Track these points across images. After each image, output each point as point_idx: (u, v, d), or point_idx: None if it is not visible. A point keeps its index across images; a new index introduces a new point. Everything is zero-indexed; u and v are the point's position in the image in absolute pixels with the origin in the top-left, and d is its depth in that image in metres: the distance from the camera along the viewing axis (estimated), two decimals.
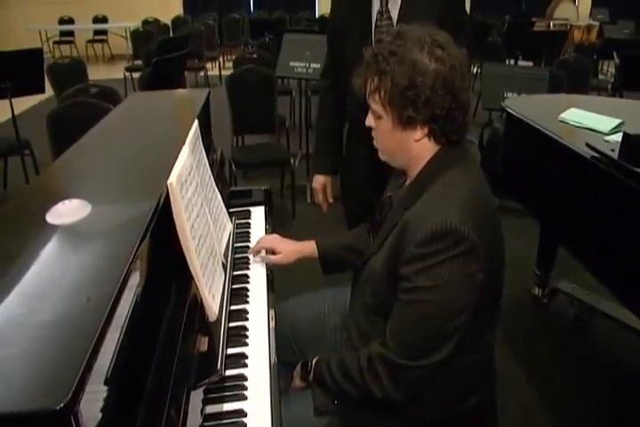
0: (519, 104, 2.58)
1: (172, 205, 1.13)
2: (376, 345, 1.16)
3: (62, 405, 0.57)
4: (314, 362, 1.27)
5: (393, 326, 1.14)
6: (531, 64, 6.48)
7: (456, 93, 1.10)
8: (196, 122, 1.48)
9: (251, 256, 1.60)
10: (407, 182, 1.25)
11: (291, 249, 1.56)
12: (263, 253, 1.59)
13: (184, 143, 1.31)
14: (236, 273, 1.52)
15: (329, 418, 1.23)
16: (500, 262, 1.20)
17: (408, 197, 1.18)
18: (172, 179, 1.13)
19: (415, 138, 1.15)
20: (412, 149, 1.17)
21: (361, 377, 1.16)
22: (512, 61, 6.44)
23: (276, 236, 1.62)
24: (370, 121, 1.21)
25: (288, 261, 1.55)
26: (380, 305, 1.20)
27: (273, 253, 1.57)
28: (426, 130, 1.14)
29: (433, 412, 1.21)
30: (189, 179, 1.24)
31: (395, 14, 1.75)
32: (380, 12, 1.76)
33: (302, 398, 1.27)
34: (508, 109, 2.52)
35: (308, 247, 1.57)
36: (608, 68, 8.21)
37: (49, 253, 0.91)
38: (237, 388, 1.13)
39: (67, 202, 1.07)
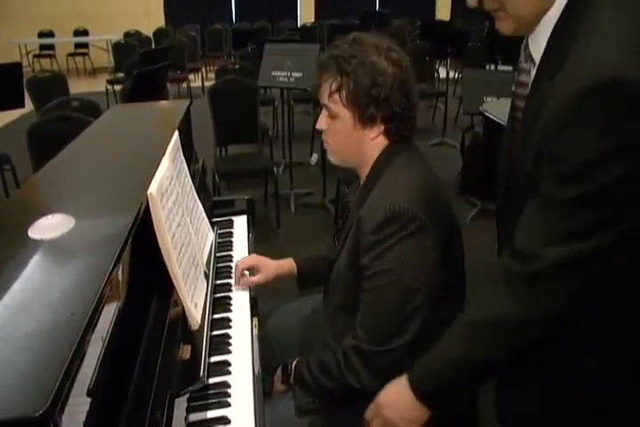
0: (497, 108, 2.63)
1: (153, 215, 1.14)
2: (349, 339, 1.20)
3: (41, 412, 0.58)
4: (294, 364, 1.30)
5: (360, 316, 1.19)
6: (510, 69, 6.57)
7: (409, 94, 1.19)
8: (176, 133, 1.49)
9: (234, 285, 1.54)
10: (361, 183, 1.30)
11: (269, 264, 1.55)
12: (246, 275, 1.56)
13: (164, 154, 1.33)
14: (218, 282, 1.53)
15: (310, 418, 1.25)
16: (457, 243, 1.26)
17: (361, 196, 1.23)
18: (152, 189, 1.14)
19: (371, 136, 1.21)
20: (367, 147, 1.23)
21: (338, 371, 1.19)
22: (492, 66, 6.53)
23: (253, 255, 1.61)
24: (322, 123, 1.26)
25: (268, 278, 1.53)
26: (349, 303, 1.24)
27: (253, 273, 1.55)
28: (382, 128, 1.21)
29: None
30: (170, 189, 1.25)
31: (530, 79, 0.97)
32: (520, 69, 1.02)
33: (285, 399, 1.28)
34: (486, 113, 2.57)
35: (287, 264, 1.57)
36: None
37: (32, 268, 0.92)
38: (221, 395, 1.13)
39: (50, 217, 1.08)
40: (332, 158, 1.30)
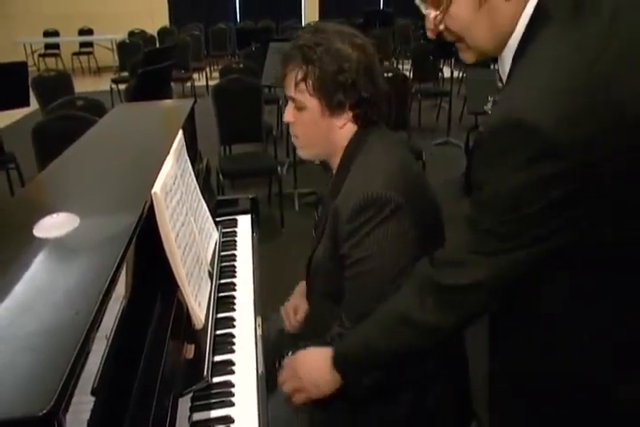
0: None
1: (157, 214, 1.14)
2: (335, 327, 1.21)
3: (45, 411, 0.58)
4: (289, 356, 1.30)
5: (345, 304, 1.20)
6: None
7: (375, 78, 1.20)
8: (180, 132, 1.49)
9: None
10: (333, 173, 1.31)
11: (299, 299, 1.54)
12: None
13: (169, 153, 1.33)
14: (222, 281, 1.53)
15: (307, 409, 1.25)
16: (436, 218, 1.27)
17: (335, 186, 1.24)
18: (157, 188, 1.14)
19: (339, 124, 1.22)
20: (336, 136, 1.23)
21: None
22: (496, 66, 6.50)
23: (287, 306, 1.57)
24: (289, 116, 1.26)
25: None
26: (333, 291, 1.25)
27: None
28: (350, 115, 1.21)
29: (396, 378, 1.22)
30: (174, 188, 1.25)
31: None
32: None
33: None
34: (490, 113, 2.56)
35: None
36: None
37: (37, 267, 0.92)
38: (224, 395, 1.13)
39: (54, 215, 1.08)
40: (303, 153, 1.30)
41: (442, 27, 0.93)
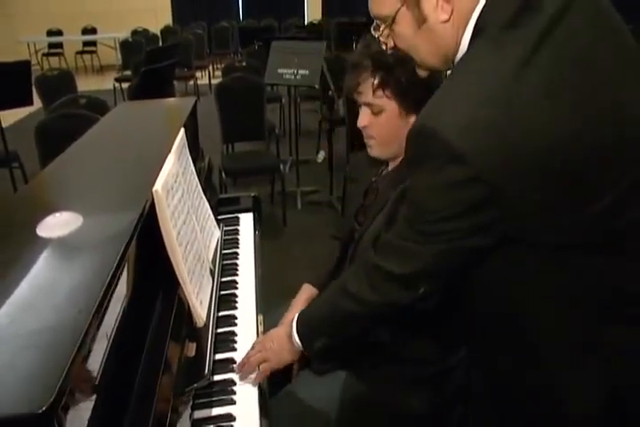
0: None
1: (158, 212, 1.13)
2: None
3: (44, 409, 0.58)
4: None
5: None
6: None
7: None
8: (182, 130, 1.49)
9: None
10: (390, 168, 1.34)
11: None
12: None
13: (171, 151, 1.32)
14: (224, 279, 1.53)
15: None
16: None
17: (399, 175, 1.24)
18: (158, 186, 1.14)
19: (412, 121, 1.23)
20: None
21: None
22: None
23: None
24: (365, 121, 1.27)
25: None
26: None
27: None
28: None
29: (425, 369, 1.26)
30: (175, 186, 1.25)
31: None
32: None
33: (305, 384, 1.32)
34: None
35: (307, 292, 1.52)
36: None
37: (40, 266, 0.92)
38: (226, 392, 1.14)
39: (57, 214, 1.08)
40: (375, 151, 1.31)
41: (391, 43, 0.96)
